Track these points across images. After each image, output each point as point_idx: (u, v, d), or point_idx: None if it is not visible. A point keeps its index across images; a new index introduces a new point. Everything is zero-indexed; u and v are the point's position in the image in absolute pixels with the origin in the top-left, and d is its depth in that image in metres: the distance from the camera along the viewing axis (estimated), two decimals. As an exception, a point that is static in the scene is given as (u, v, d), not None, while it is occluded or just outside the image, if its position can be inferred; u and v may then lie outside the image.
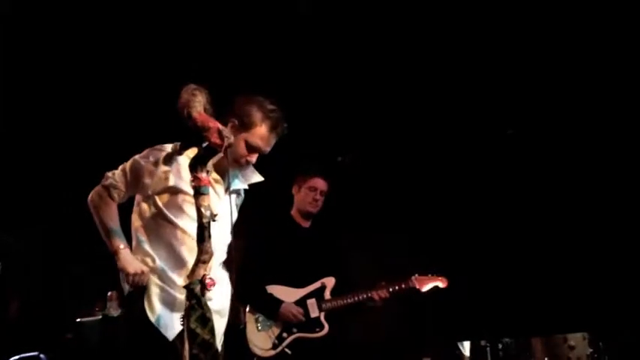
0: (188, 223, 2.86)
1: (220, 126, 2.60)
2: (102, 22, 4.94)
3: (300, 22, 5.18)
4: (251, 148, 2.98)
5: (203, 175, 2.60)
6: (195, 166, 2.61)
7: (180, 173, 2.91)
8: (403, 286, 4.34)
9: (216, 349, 2.74)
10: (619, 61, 4.91)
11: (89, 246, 5.74)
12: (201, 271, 2.54)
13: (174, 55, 5.23)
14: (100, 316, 5.40)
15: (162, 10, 4.93)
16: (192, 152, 2.80)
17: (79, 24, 4.90)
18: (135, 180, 2.91)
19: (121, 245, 2.85)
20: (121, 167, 2.94)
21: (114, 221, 2.90)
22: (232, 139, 2.66)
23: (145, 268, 2.83)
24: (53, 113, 5.45)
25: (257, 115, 2.96)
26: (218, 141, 2.60)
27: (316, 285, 4.38)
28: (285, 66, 5.37)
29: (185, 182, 2.87)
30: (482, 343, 5.03)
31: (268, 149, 3.03)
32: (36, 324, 5.51)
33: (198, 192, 2.60)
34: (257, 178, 3.19)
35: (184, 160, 2.90)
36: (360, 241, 5.36)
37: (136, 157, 2.93)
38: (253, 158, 3.02)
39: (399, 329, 5.62)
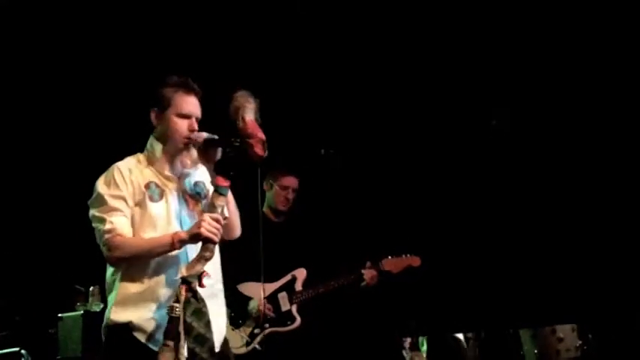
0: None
1: (264, 138, 2.60)
2: (97, 17, 4.91)
3: (290, 19, 5.16)
4: (184, 116, 2.91)
5: (225, 177, 2.63)
6: (220, 168, 2.64)
7: (138, 183, 2.85)
8: (378, 270, 4.36)
9: (213, 344, 2.69)
10: (609, 54, 4.93)
11: (70, 240, 5.77)
12: (200, 267, 2.50)
13: (162, 53, 5.21)
14: (82, 311, 5.29)
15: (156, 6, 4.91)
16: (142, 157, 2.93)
17: (76, 17, 4.86)
18: (124, 204, 2.80)
19: (174, 234, 2.72)
20: (97, 214, 2.78)
21: (143, 239, 2.77)
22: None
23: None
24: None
25: (167, 90, 2.94)
26: (260, 152, 2.63)
27: (287, 278, 4.38)
28: (267, 59, 5.34)
29: (141, 191, 2.83)
30: (469, 335, 5.03)
31: (199, 112, 2.97)
32: (17, 319, 5.40)
33: (218, 192, 2.63)
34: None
35: (137, 167, 2.90)
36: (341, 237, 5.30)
37: (100, 190, 2.82)
38: (194, 125, 2.92)
39: (380, 321, 5.56)
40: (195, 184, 2.93)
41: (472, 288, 5.07)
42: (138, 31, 5.11)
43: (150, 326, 2.70)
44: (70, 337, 5.24)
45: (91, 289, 5.43)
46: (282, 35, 5.31)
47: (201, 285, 2.50)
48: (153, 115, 2.94)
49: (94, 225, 2.81)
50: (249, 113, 2.65)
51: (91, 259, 5.57)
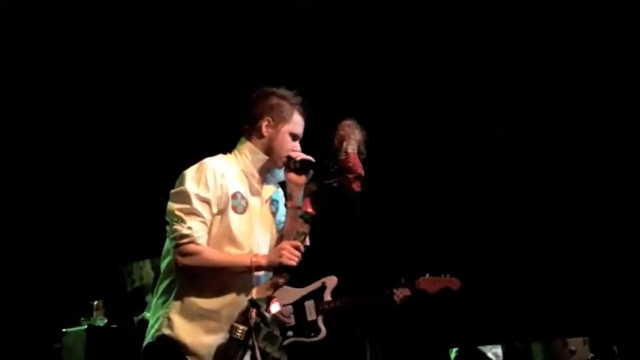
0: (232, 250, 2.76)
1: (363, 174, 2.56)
2: (96, 20, 4.86)
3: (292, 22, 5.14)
4: (294, 136, 2.91)
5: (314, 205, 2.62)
6: (313, 196, 2.63)
7: (227, 190, 2.77)
8: (413, 289, 4.26)
9: None
10: (612, 59, 4.97)
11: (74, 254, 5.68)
12: (271, 292, 2.48)
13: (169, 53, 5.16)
14: (86, 326, 5.21)
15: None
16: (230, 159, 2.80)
17: (76, 22, 4.80)
18: (208, 209, 2.70)
19: (253, 257, 2.68)
20: (177, 212, 2.68)
21: (221, 254, 2.70)
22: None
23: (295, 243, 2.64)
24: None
25: (287, 105, 2.90)
26: (357, 189, 2.59)
27: (316, 285, 4.20)
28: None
29: (227, 199, 2.75)
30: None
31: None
32: (21, 334, 5.30)
33: (303, 219, 2.61)
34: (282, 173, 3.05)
35: (229, 172, 2.79)
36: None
37: (188, 185, 2.70)
38: (298, 146, 2.93)
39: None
40: (271, 202, 2.90)
41: (483, 301, 5.11)
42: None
43: (206, 353, 2.64)
44: (74, 351, 5.16)
45: (95, 303, 5.36)
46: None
47: (267, 310, 2.47)
48: (264, 124, 2.85)
49: (169, 219, 2.71)
50: (353, 145, 2.60)
51: (94, 274, 5.58)
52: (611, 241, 4.85)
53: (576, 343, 4.62)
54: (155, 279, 5.89)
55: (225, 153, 2.95)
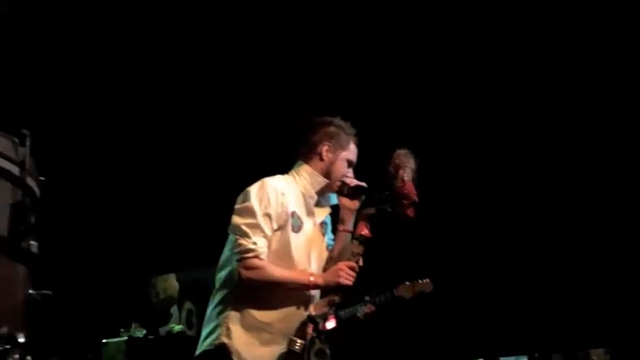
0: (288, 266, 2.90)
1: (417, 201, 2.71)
2: (94, 22, 4.96)
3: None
4: (350, 164, 3.06)
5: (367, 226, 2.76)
6: (369, 219, 2.77)
7: (286, 208, 2.90)
8: (389, 296, 4.34)
9: None
10: (615, 61, 4.96)
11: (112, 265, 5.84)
12: (327, 309, 2.66)
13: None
14: (125, 337, 5.41)
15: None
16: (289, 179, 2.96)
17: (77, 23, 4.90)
18: (270, 226, 2.83)
19: (311, 277, 2.83)
20: (243, 227, 2.79)
21: (282, 271, 2.82)
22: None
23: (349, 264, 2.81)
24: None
25: (343, 134, 3.05)
26: (410, 214, 2.71)
27: None
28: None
29: (286, 217, 2.89)
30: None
31: None
32: (58, 343, 5.43)
33: (359, 240, 2.77)
34: (334, 197, 3.16)
35: (288, 192, 2.92)
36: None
37: (252, 202, 2.82)
38: (351, 173, 3.07)
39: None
40: (321, 224, 3.06)
41: (504, 313, 5.23)
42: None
43: None
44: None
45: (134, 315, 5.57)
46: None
47: (323, 326, 2.65)
48: (325, 149, 3.00)
49: (233, 232, 2.84)
50: (408, 173, 2.74)
51: (133, 287, 5.75)
52: (634, 252, 4.90)
53: (598, 354, 4.80)
54: (180, 292, 6.10)
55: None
